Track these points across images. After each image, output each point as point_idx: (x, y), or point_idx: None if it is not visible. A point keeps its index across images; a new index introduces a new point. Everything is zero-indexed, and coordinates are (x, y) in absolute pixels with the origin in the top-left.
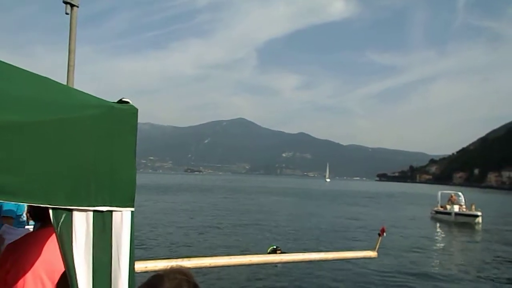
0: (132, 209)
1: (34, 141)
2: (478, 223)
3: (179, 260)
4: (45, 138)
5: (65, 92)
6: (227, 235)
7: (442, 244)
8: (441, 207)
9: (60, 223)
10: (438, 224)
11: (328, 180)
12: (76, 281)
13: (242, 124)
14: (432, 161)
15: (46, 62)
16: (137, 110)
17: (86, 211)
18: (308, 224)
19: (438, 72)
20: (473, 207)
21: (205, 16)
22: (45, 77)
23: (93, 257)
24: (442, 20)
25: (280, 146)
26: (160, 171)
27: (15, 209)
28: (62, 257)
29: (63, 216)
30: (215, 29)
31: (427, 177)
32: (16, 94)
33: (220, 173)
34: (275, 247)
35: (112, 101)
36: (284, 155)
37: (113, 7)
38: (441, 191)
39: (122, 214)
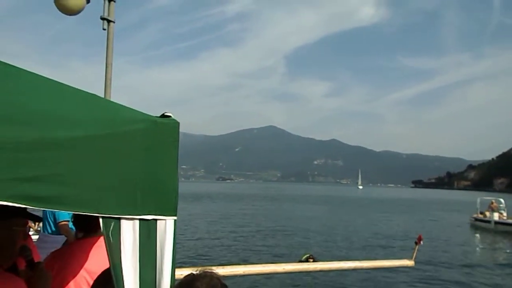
0: (175, 217)
1: (86, 155)
2: None
3: (213, 267)
4: (96, 152)
5: (112, 108)
6: (260, 243)
7: (481, 254)
8: (481, 214)
9: (109, 231)
10: (477, 232)
11: (360, 187)
12: (124, 286)
13: (272, 132)
14: (470, 167)
15: (80, 75)
16: (178, 123)
17: (133, 220)
18: (341, 232)
19: (474, 75)
20: None
21: (234, 26)
22: (93, 94)
23: (140, 263)
24: (476, 21)
25: (311, 153)
26: (193, 179)
27: (67, 214)
28: (110, 262)
29: (112, 224)
30: (243, 39)
31: (466, 183)
32: (68, 111)
33: (252, 181)
34: (308, 255)
35: (152, 114)
36: (315, 162)
37: (144, 19)
38: (480, 198)
39: (166, 222)
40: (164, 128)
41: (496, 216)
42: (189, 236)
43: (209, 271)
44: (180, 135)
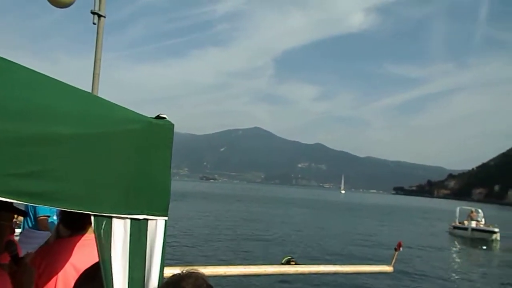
0: (166, 218)
1: (80, 153)
2: (496, 240)
3: (195, 267)
4: (90, 150)
5: (108, 107)
6: (242, 244)
7: (458, 260)
8: (459, 223)
9: (101, 230)
10: (455, 240)
11: (343, 192)
12: (112, 284)
13: (258, 133)
14: (451, 176)
15: (68, 69)
16: (173, 125)
17: (124, 219)
18: (323, 236)
19: (459, 85)
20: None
21: (224, 25)
22: (89, 92)
23: (129, 262)
24: (463, 32)
25: (296, 156)
26: (176, 177)
27: (49, 210)
28: (100, 260)
29: (104, 223)
30: (234, 38)
31: (445, 192)
32: (63, 108)
33: (235, 181)
34: (289, 257)
35: (140, 110)
36: (299, 165)
37: (134, 15)
38: (459, 207)
39: (156, 222)
40: (159, 129)
41: (473, 224)
42: (171, 235)
43: (195, 271)
44: None
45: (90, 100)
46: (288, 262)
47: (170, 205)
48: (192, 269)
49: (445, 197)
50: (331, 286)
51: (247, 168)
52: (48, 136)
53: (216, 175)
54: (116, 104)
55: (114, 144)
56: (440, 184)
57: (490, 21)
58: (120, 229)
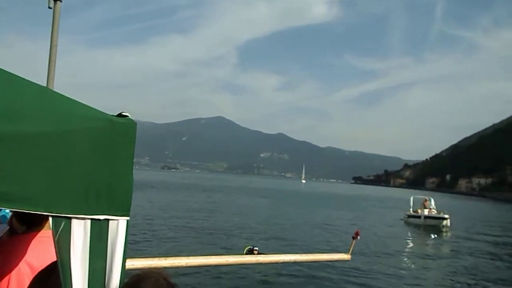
0: (128, 218)
1: (37, 152)
2: (446, 225)
3: (156, 259)
4: (47, 149)
5: (67, 104)
6: (204, 234)
7: (412, 246)
8: (413, 211)
9: (59, 230)
10: (409, 228)
11: (303, 181)
12: (71, 285)
13: (221, 123)
14: (406, 166)
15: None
16: (135, 123)
17: (84, 219)
18: (283, 225)
19: (415, 79)
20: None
21: (186, 12)
22: (47, 88)
23: (89, 263)
24: (420, 28)
25: (259, 146)
26: (137, 167)
27: None
28: (58, 262)
29: (63, 223)
30: (196, 26)
31: (401, 181)
32: (19, 105)
33: (197, 171)
34: (251, 247)
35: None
36: (262, 155)
37: None
38: (413, 196)
39: (118, 222)
40: (121, 127)
41: (426, 211)
42: (131, 226)
43: (156, 270)
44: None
45: (48, 96)
46: (250, 252)
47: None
48: (153, 267)
49: (401, 186)
50: (292, 275)
51: (209, 158)
52: (2, 135)
53: (177, 165)
54: (76, 101)
55: (74, 142)
56: (396, 174)
57: (445, 18)
58: (80, 230)
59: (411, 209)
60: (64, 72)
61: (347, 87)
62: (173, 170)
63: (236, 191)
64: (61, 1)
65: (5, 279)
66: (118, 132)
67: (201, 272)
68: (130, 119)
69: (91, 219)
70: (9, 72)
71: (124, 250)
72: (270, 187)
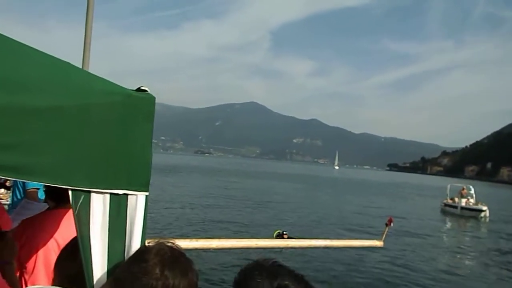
0: (147, 193)
1: (56, 125)
2: (485, 217)
3: (187, 240)
4: (66, 123)
5: (86, 78)
6: (235, 218)
7: (447, 236)
8: (451, 199)
9: (78, 204)
10: (445, 217)
11: (336, 167)
12: (91, 260)
13: (254, 108)
14: (444, 153)
15: (61, 38)
16: (154, 98)
17: (103, 194)
18: (315, 211)
19: (455, 63)
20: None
21: None
22: (67, 62)
23: (109, 238)
24: (461, 10)
25: (291, 132)
26: (171, 151)
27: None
28: (78, 236)
29: (82, 197)
30: (228, 11)
31: (439, 169)
32: (40, 79)
33: (230, 156)
34: (281, 231)
35: (127, 85)
36: (295, 140)
37: None
38: (450, 184)
39: (137, 197)
40: (139, 102)
41: (463, 202)
42: (163, 208)
43: (163, 241)
44: (160, 106)
45: (68, 70)
46: (280, 236)
47: (164, 180)
48: (184, 248)
49: (438, 174)
50: (323, 261)
51: (242, 143)
52: (22, 108)
53: (211, 149)
54: (96, 75)
55: (93, 116)
56: (434, 161)
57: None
58: (99, 204)
59: (448, 198)
60: (101, 55)
61: (382, 72)
62: (206, 154)
63: (268, 176)
64: None
65: (33, 253)
66: (137, 106)
67: (231, 255)
68: (149, 93)
69: (110, 193)
70: (28, 46)
71: (143, 225)
72: (302, 172)
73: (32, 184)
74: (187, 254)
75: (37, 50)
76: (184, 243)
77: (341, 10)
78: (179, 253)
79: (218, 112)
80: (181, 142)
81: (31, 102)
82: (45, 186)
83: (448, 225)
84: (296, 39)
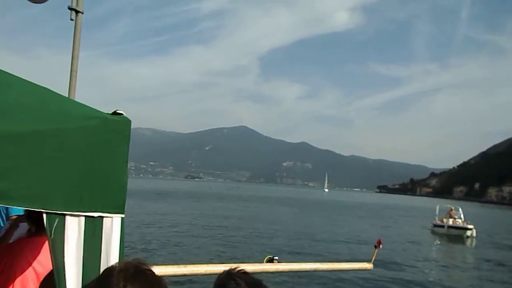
0: (123, 215)
1: (31, 150)
2: (471, 236)
3: (175, 266)
4: (41, 147)
5: (63, 103)
6: (225, 243)
7: (435, 256)
8: (440, 220)
9: (53, 227)
10: (434, 237)
11: (326, 190)
12: (65, 284)
13: (243, 132)
14: (433, 174)
15: (50, 64)
16: (130, 121)
17: (78, 216)
18: (305, 234)
19: (440, 85)
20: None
21: (208, 23)
22: (45, 88)
23: (83, 261)
24: (444, 33)
25: (281, 155)
26: (161, 176)
27: (21, 209)
28: (52, 260)
29: (56, 220)
30: (217, 37)
31: (427, 190)
32: (15, 104)
33: (220, 180)
34: (271, 257)
35: (108, 111)
36: (285, 164)
37: (115, 12)
38: (439, 205)
39: (112, 220)
40: (115, 125)
41: (451, 221)
42: (151, 234)
43: (131, 260)
44: (150, 131)
45: (45, 95)
46: (270, 261)
47: (155, 204)
48: (171, 275)
49: (427, 195)
50: (313, 284)
51: (232, 167)
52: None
53: (201, 174)
54: (73, 100)
55: (69, 140)
56: (423, 183)
57: (471, 22)
58: (74, 227)
59: (436, 219)
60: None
61: (370, 94)
62: (196, 179)
63: (258, 200)
64: (82, 13)
65: (10, 280)
66: (113, 130)
67: None
68: (125, 116)
69: (85, 216)
70: (7, 72)
71: (120, 248)
72: (292, 196)
73: (16, 211)
74: (175, 280)
75: (15, 76)
76: (171, 269)
77: (328, 35)
78: (145, 269)
79: (208, 136)
80: (171, 167)
81: (7, 127)
82: (25, 210)
83: (436, 245)
84: (284, 64)
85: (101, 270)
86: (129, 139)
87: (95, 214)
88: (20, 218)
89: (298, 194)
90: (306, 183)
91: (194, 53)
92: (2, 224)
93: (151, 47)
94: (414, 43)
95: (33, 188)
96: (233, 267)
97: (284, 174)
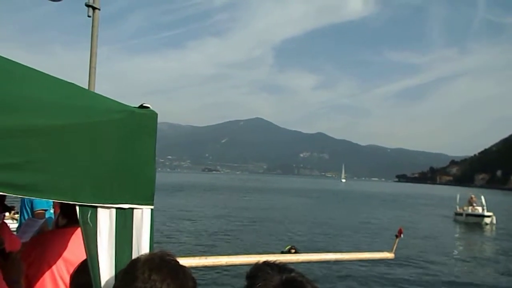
0: (152, 207)
1: (64, 143)
2: (490, 223)
3: (196, 258)
4: (73, 140)
5: (90, 97)
6: (244, 234)
7: (456, 244)
8: (460, 208)
9: (86, 220)
10: (455, 226)
11: (343, 180)
12: (99, 273)
13: (259, 124)
14: (453, 162)
15: (64, 61)
16: (156, 114)
17: (109, 208)
18: (324, 224)
19: (459, 71)
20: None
21: (222, 16)
22: (72, 83)
23: (116, 251)
24: (462, 17)
25: (298, 146)
26: (178, 170)
27: (45, 203)
28: (86, 251)
29: (89, 212)
30: (231, 29)
31: (448, 178)
32: (46, 100)
33: (238, 172)
34: (290, 246)
35: (133, 104)
36: (301, 155)
37: (130, 7)
38: (459, 193)
39: (142, 211)
40: (142, 118)
41: (470, 209)
42: (171, 227)
43: (157, 251)
44: (166, 125)
45: (73, 90)
46: (289, 251)
47: (172, 197)
48: (194, 266)
49: (447, 183)
50: (334, 274)
51: (249, 159)
52: (30, 128)
53: (218, 167)
54: (99, 94)
55: (97, 134)
56: (443, 171)
57: (489, 5)
58: (106, 218)
59: (457, 207)
60: (106, 78)
61: (386, 83)
62: (213, 172)
63: (276, 191)
64: (99, 10)
65: (41, 271)
66: (140, 123)
67: (242, 271)
68: (152, 110)
69: (116, 208)
70: (34, 69)
71: (150, 238)
72: (310, 187)
73: (40, 206)
74: (197, 272)
75: (42, 72)
76: (193, 261)
77: (342, 24)
78: (170, 260)
79: (224, 129)
80: (188, 161)
81: (38, 121)
82: (60, 203)
83: (456, 232)
84: (299, 54)
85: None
86: (156, 131)
87: (126, 206)
88: (41, 214)
89: (316, 185)
90: (323, 173)
91: (208, 45)
92: (26, 217)
93: (165, 41)
94: (431, 28)
95: (65, 181)
96: (268, 259)
97: (301, 165)
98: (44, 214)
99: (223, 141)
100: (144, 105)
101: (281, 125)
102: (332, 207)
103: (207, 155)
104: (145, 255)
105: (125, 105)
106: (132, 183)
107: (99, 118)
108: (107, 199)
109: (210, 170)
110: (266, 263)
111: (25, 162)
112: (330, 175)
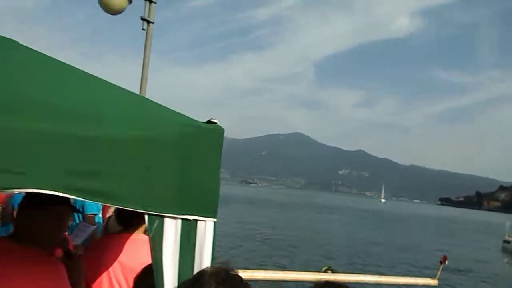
0: (215, 219)
1: (138, 154)
2: None
3: (248, 271)
4: (146, 152)
5: (161, 111)
6: (281, 250)
7: (504, 274)
8: (509, 237)
9: (153, 228)
10: (503, 255)
11: (383, 200)
12: (163, 280)
13: (298, 139)
14: (502, 188)
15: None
16: (223, 130)
17: (176, 219)
18: (364, 245)
19: (509, 93)
20: None
21: (264, 30)
22: (142, 96)
23: (179, 260)
24: None
25: (337, 163)
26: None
27: (96, 207)
28: (152, 258)
29: (156, 222)
30: (274, 43)
31: (496, 204)
32: (124, 111)
33: (275, 186)
34: (327, 267)
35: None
36: (340, 172)
37: (174, 20)
38: (510, 221)
39: (205, 223)
40: (209, 133)
41: None
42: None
43: (220, 265)
44: None
45: (144, 103)
46: (327, 271)
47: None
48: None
49: (495, 209)
50: None
51: (287, 173)
52: (111, 138)
53: (256, 180)
54: (168, 108)
55: (167, 146)
56: (490, 196)
57: None
58: (171, 228)
59: (506, 235)
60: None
61: (431, 102)
62: (252, 185)
63: (313, 208)
64: (153, 23)
65: (99, 274)
66: (207, 137)
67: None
68: (218, 125)
69: (182, 218)
70: (108, 82)
71: (212, 250)
72: (349, 205)
73: (91, 210)
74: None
75: (113, 84)
76: (245, 274)
77: (386, 41)
78: (235, 275)
79: (263, 142)
80: (227, 173)
81: (118, 133)
82: (117, 209)
83: (505, 262)
84: (341, 70)
85: (195, 271)
86: (222, 147)
87: (191, 217)
88: (91, 219)
89: (355, 204)
90: (362, 192)
91: (250, 59)
92: (78, 222)
93: (207, 55)
94: (479, 48)
95: (136, 190)
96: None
97: (340, 182)
98: (94, 218)
99: (263, 153)
100: (212, 120)
101: (320, 140)
102: (373, 228)
103: (245, 167)
104: (211, 268)
105: (193, 119)
106: (197, 196)
107: (169, 130)
108: (174, 209)
109: (248, 182)
110: (329, 283)
111: (106, 170)
112: (369, 194)
